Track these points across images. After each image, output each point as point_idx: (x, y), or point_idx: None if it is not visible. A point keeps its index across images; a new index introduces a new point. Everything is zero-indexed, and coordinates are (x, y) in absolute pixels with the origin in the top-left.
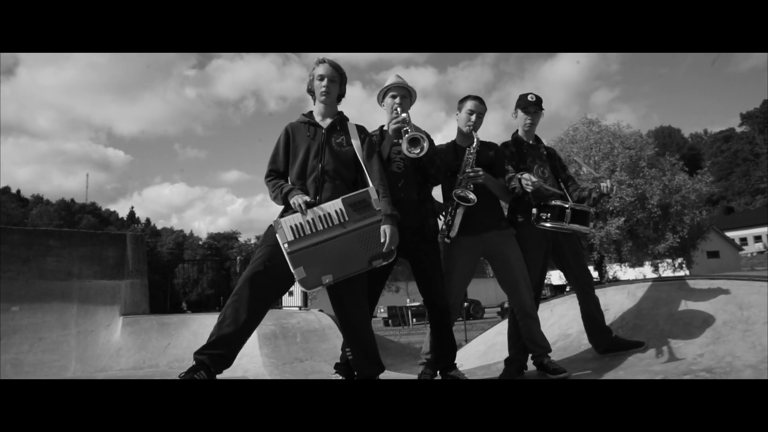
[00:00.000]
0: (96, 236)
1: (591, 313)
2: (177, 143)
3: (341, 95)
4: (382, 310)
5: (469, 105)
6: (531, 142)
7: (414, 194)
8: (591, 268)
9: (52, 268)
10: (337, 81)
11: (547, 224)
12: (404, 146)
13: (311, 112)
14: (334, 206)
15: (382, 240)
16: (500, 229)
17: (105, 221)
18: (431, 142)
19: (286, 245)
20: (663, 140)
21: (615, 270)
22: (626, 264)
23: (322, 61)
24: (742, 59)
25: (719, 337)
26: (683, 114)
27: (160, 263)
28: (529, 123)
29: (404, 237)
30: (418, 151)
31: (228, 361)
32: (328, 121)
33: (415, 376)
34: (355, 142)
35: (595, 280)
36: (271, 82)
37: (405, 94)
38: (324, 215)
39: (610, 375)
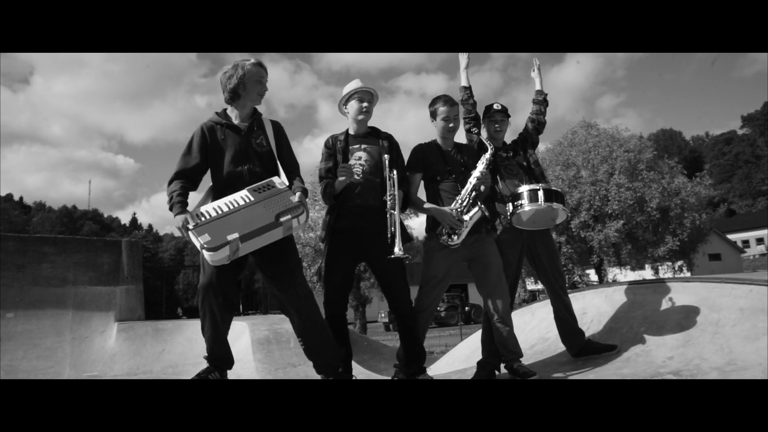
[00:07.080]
0: (91, 242)
1: (562, 314)
2: None
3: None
4: (383, 315)
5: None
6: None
7: (371, 200)
8: (591, 271)
9: (47, 275)
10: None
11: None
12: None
13: (225, 111)
14: (240, 194)
15: (291, 198)
16: (482, 233)
17: (107, 228)
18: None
19: (190, 225)
20: (664, 143)
21: (615, 273)
22: (627, 267)
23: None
24: (747, 65)
25: (689, 339)
26: (686, 117)
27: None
28: (495, 130)
29: (362, 242)
30: None
31: (230, 361)
32: (245, 125)
33: None
34: (273, 142)
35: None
36: (281, 90)
37: (369, 98)
38: (229, 201)
39: (579, 378)
